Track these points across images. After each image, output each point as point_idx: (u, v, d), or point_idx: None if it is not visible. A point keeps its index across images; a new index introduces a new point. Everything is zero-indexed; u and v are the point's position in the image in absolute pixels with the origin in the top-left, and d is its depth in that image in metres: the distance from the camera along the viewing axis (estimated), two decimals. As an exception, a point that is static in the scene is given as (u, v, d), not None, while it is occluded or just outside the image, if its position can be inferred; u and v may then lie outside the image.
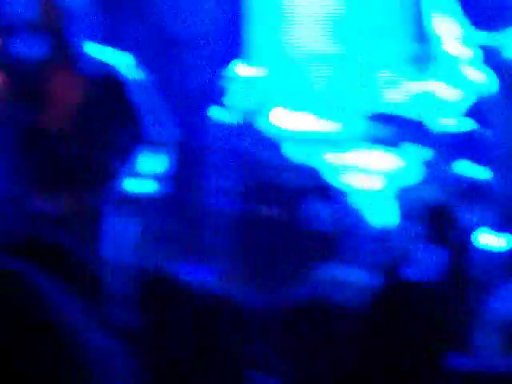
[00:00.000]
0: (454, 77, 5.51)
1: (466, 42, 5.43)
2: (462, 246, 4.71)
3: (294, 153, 5.44)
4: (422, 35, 5.72)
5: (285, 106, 5.68)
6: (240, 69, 5.45)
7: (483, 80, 5.33)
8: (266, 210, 5.31)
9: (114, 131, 4.00)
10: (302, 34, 5.78)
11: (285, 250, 5.10)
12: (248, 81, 5.42)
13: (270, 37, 5.81)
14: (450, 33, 5.53)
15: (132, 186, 3.98)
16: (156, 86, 4.27)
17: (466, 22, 5.49)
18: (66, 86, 3.97)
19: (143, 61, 4.37)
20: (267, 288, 4.41)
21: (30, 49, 3.85)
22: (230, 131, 5.33)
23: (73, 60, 3.99)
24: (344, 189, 5.33)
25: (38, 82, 3.92)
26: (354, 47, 5.67)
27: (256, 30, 5.81)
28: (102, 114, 3.97)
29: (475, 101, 5.35)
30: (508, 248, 4.86)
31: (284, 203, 5.30)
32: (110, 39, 4.71)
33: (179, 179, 4.82)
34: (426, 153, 5.31)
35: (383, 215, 5.23)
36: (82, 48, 4.00)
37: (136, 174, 3.99)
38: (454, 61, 5.54)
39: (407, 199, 5.16)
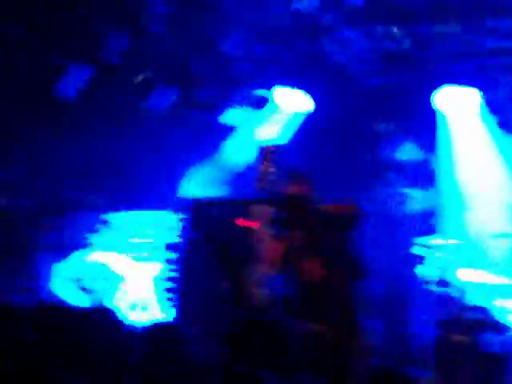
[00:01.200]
0: None
1: None
2: None
3: (475, 298, 7.54)
4: None
5: (469, 267, 7.82)
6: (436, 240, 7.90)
7: None
8: (456, 336, 7.47)
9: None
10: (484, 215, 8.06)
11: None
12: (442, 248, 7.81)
13: (458, 216, 8.21)
14: None
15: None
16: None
17: None
18: None
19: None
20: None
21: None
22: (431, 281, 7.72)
23: None
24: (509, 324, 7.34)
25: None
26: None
27: (447, 211, 8.30)
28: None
29: None
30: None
31: (468, 332, 7.35)
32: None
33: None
34: None
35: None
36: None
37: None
38: None
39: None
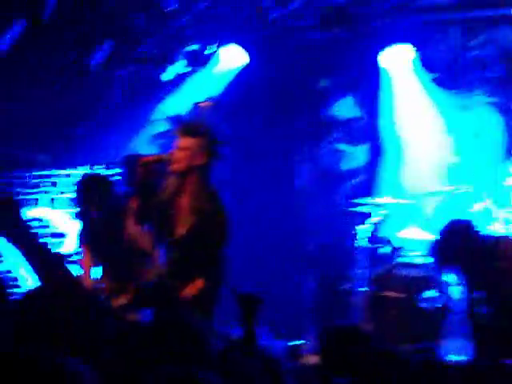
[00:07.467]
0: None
1: None
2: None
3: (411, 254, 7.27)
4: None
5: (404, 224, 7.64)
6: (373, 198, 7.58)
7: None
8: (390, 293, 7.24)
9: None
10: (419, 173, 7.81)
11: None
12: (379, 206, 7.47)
13: (395, 174, 7.93)
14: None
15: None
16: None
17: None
18: None
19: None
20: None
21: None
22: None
23: None
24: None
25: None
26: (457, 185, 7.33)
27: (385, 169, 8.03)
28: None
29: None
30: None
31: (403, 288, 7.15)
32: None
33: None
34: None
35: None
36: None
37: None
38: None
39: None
